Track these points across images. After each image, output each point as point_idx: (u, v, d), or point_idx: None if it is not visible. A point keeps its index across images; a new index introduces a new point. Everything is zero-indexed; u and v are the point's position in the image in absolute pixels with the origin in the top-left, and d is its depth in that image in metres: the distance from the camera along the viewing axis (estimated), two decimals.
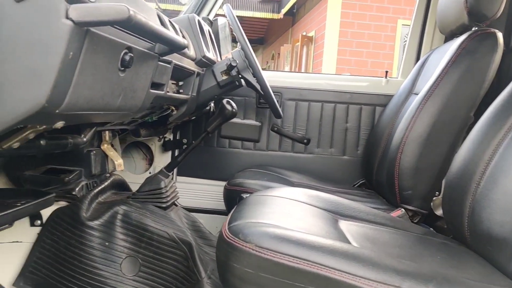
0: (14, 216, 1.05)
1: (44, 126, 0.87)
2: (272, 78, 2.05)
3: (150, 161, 2.09)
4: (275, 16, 13.10)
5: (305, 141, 2.03)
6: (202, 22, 1.70)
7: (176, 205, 1.49)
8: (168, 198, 1.39)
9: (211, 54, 1.66)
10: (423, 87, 1.49)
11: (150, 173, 2.05)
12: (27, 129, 0.87)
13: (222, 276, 0.82)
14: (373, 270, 0.74)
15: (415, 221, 1.45)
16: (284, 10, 12.15)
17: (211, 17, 2.03)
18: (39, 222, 1.29)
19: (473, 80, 1.40)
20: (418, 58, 2.03)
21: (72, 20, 0.72)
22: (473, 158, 1.11)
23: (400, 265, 0.80)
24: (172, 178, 2.05)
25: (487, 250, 0.99)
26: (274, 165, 1.99)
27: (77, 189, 1.31)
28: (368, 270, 0.74)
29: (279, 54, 14.12)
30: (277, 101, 2.03)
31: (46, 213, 1.30)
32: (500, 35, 1.42)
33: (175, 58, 1.31)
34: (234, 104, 1.46)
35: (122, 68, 0.94)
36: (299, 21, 12.20)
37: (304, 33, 11.14)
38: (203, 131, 1.49)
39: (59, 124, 0.87)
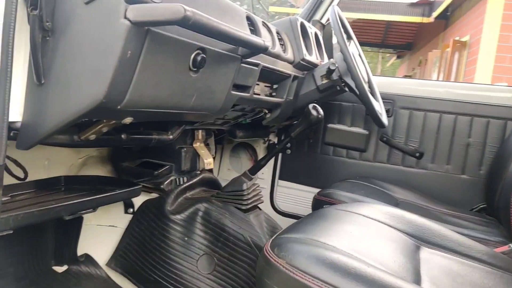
0: (103, 201, 1.14)
1: (114, 121, 0.93)
2: (385, 84, 1.90)
3: (256, 162, 2.11)
4: (425, 20, 12.26)
5: (418, 154, 1.84)
6: (307, 25, 1.65)
7: (259, 209, 1.47)
8: (249, 201, 1.38)
9: (313, 58, 1.61)
10: None
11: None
12: (100, 123, 0.94)
13: None
14: None
15: None
16: (435, 13, 11.30)
17: (324, 20, 1.97)
18: (131, 210, 1.39)
19: None
20: None
21: (130, 20, 0.74)
22: None
23: None
24: (273, 182, 2.04)
25: None
26: (380, 178, 1.84)
27: (165, 183, 1.38)
28: None
29: (426, 60, 13.20)
30: (389, 109, 1.88)
31: (138, 202, 1.39)
32: None
33: (265, 61, 1.29)
34: (320, 110, 1.39)
35: (194, 69, 0.96)
36: (452, 25, 11.23)
37: (457, 38, 10.21)
38: (287, 136, 1.44)
39: (128, 120, 0.92)
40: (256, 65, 1.24)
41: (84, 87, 0.78)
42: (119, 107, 0.83)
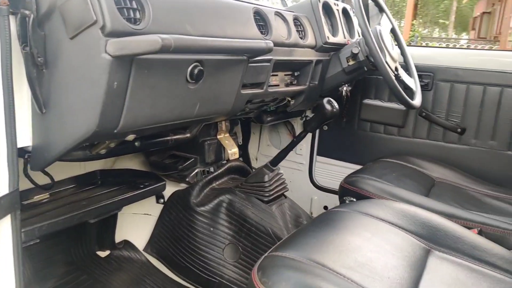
0: (121, 203, 1.23)
1: (116, 140, 0.98)
2: (423, 56, 1.79)
3: (294, 137, 2.12)
4: None
5: (459, 130, 1.73)
6: (333, 2, 1.57)
7: (285, 197, 1.49)
8: (271, 193, 1.40)
9: (339, 38, 1.54)
10: None
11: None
12: (105, 141, 1.00)
13: None
14: None
15: None
16: None
17: None
18: (162, 200, 1.48)
19: None
20: None
21: (110, 54, 0.77)
22: None
23: None
24: (311, 157, 2.04)
25: None
26: (418, 154, 1.77)
27: (190, 175, 1.44)
28: None
29: None
30: (428, 82, 1.77)
31: (167, 193, 1.48)
32: None
33: (279, 53, 1.26)
34: (335, 103, 1.34)
35: (193, 81, 0.97)
36: None
37: None
38: (303, 130, 1.42)
39: (130, 137, 0.97)
40: (268, 61, 1.22)
41: (78, 117, 0.83)
42: (115, 131, 0.87)
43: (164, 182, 1.33)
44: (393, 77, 1.37)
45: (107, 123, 0.84)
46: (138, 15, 0.83)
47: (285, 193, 1.55)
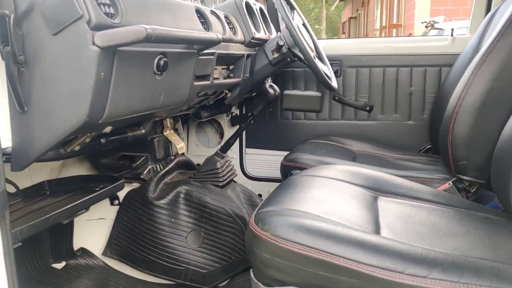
0: (89, 202, 1.25)
1: (94, 133, 1.02)
2: (331, 47, 2.04)
3: (221, 135, 2.23)
4: None
5: (368, 108, 2.01)
6: (252, 2, 1.74)
7: (234, 182, 1.61)
8: (225, 177, 1.51)
9: (261, 34, 1.71)
10: None
11: (221, 146, 2.20)
12: (82, 136, 1.03)
13: (249, 259, 0.92)
14: (378, 256, 0.78)
15: (472, 191, 1.40)
16: None
17: None
18: (116, 202, 1.50)
19: None
20: (488, 11, 1.86)
21: (98, 46, 0.83)
22: None
23: (415, 250, 0.83)
24: (241, 151, 2.18)
25: None
26: (337, 134, 2.01)
27: (144, 172, 1.49)
28: (373, 256, 0.78)
29: (368, 0, 13.40)
30: (337, 69, 2.03)
31: (122, 194, 1.50)
32: None
33: (219, 48, 1.38)
34: (276, 88, 1.51)
35: (159, 72, 1.05)
36: None
37: None
38: (248, 110, 1.56)
39: (108, 129, 1.02)
40: (212, 54, 1.34)
41: (67, 110, 0.87)
42: (100, 121, 0.92)
43: (122, 181, 1.37)
44: (316, 63, 1.57)
45: (95, 113, 0.89)
46: (112, 11, 0.90)
47: None
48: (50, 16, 0.84)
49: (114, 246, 1.50)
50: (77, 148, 1.05)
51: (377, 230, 0.95)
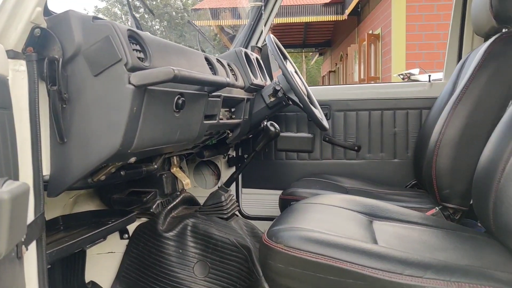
0: (107, 231, 1.34)
1: (121, 163, 1.14)
2: (320, 93, 2.22)
3: (218, 176, 2.35)
4: (340, 17, 13.07)
5: (356, 148, 2.17)
6: (250, 52, 1.93)
7: (237, 215, 1.71)
8: (229, 210, 1.62)
9: (258, 80, 1.88)
10: None
11: (218, 187, 2.31)
12: (109, 166, 1.14)
13: (263, 272, 1.02)
14: (380, 260, 0.90)
15: (456, 218, 1.54)
16: (348, 11, 12.10)
17: (260, 44, 2.26)
18: (126, 235, 1.59)
19: (502, 82, 1.47)
20: (460, 58, 2.08)
21: (133, 85, 0.97)
22: (494, 157, 1.21)
23: (411, 257, 0.95)
24: (237, 191, 2.29)
25: (509, 241, 1.09)
26: (329, 172, 2.16)
27: (153, 206, 1.59)
28: (375, 261, 0.90)
29: (347, 55, 14.05)
30: (327, 113, 2.20)
31: (131, 228, 1.59)
32: None
33: (224, 91, 1.54)
34: (277, 126, 1.66)
35: (177, 110, 1.19)
36: (364, 20, 12.08)
37: (371, 32, 11.03)
38: (252, 150, 1.70)
39: (132, 160, 1.14)
40: (219, 96, 1.49)
41: (102, 140, 0.99)
42: (129, 151, 1.04)
43: (133, 213, 1.46)
44: (311, 105, 1.74)
45: (126, 143, 1.01)
46: (142, 55, 1.05)
47: None
48: (92, 60, 0.98)
49: (123, 279, 1.57)
50: (102, 178, 1.16)
51: (375, 243, 1.06)
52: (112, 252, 1.60)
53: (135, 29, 1.06)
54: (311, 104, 2.03)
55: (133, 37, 1.04)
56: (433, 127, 1.86)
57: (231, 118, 1.70)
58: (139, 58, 1.03)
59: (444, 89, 1.94)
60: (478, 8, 1.65)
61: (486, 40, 1.80)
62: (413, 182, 2.09)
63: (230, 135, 1.77)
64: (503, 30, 1.56)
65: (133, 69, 0.98)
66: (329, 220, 1.18)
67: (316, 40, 17.48)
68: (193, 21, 2.80)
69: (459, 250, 1.10)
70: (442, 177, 1.52)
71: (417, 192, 1.94)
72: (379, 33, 10.43)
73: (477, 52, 1.70)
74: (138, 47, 1.05)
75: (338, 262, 0.90)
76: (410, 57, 9.33)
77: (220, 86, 1.31)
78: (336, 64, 17.94)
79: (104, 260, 1.59)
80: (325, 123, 1.93)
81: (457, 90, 1.57)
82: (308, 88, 2.12)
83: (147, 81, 0.98)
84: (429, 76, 2.12)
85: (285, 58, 2.08)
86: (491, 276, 0.90)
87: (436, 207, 1.52)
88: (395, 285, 0.87)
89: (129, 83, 0.97)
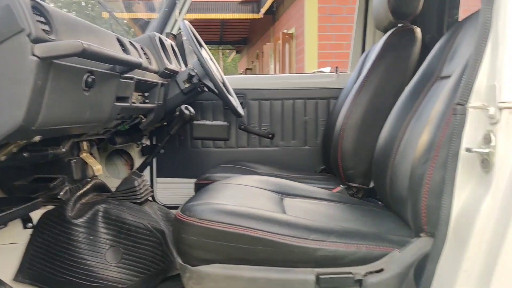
0: (8, 218, 1.25)
1: (25, 141, 1.08)
2: (236, 82, 2.26)
3: (131, 166, 2.30)
4: (256, 16, 13.28)
5: (270, 136, 2.25)
6: (164, 38, 1.91)
7: (151, 201, 1.69)
8: (142, 195, 1.60)
9: (173, 66, 1.87)
10: None
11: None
12: (10, 144, 1.08)
13: (176, 247, 1.03)
14: (288, 227, 0.96)
15: (359, 196, 1.66)
16: (263, 10, 12.34)
17: (175, 31, 2.24)
18: (30, 224, 1.50)
19: (397, 71, 1.62)
20: (363, 51, 2.24)
21: (37, 56, 0.92)
22: (390, 138, 1.33)
23: (317, 224, 1.01)
24: (152, 180, 2.26)
25: (401, 211, 1.21)
26: (244, 160, 2.20)
27: (61, 193, 1.51)
28: (284, 228, 0.95)
29: (263, 53, 14.34)
30: (242, 102, 2.25)
31: (36, 216, 1.50)
32: (418, 30, 1.64)
33: (137, 74, 1.51)
34: (191, 109, 1.67)
35: (86, 88, 1.15)
36: (279, 19, 12.40)
37: (285, 31, 11.36)
38: (166, 134, 1.70)
39: (37, 138, 1.08)
40: (131, 78, 1.46)
41: (3, 114, 0.94)
42: (33, 127, 0.99)
43: (39, 199, 1.38)
44: (226, 92, 1.77)
45: (30, 118, 0.96)
46: (47, 28, 1.01)
47: None
48: None
49: (26, 270, 1.48)
50: (2, 158, 1.09)
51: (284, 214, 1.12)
52: (13, 243, 1.50)
53: (39, 0, 1.01)
54: (227, 91, 2.07)
55: (37, 8, 0.99)
56: (339, 115, 1.99)
57: (144, 102, 1.68)
58: (44, 30, 0.98)
59: (349, 79, 2.08)
60: (378, 5, 1.79)
61: (385, 33, 1.96)
62: (322, 168, 2.21)
63: (143, 120, 1.75)
64: (399, 25, 1.71)
65: (37, 41, 0.94)
66: (242, 196, 1.22)
67: (233, 37, 17.61)
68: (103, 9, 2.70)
69: (360, 220, 1.19)
70: (346, 159, 1.64)
71: (325, 175, 2.05)
72: (293, 33, 10.78)
73: (377, 45, 1.85)
74: (43, 19, 1.00)
75: (248, 230, 0.94)
76: (322, 56, 9.75)
77: (132, 66, 1.29)
78: (252, 62, 18.23)
79: (5, 252, 1.49)
80: (241, 110, 1.97)
81: (359, 80, 1.69)
82: (224, 76, 2.15)
83: (53, 53, 0.94)
84: (336, 67, 2.25)
85: (201, 45, 2.09)
86: (385, 238, 1.00)
87: (341, 185, 1.63)
88: (302, 249, 0.93)
89: (33, 54, 0.92)
